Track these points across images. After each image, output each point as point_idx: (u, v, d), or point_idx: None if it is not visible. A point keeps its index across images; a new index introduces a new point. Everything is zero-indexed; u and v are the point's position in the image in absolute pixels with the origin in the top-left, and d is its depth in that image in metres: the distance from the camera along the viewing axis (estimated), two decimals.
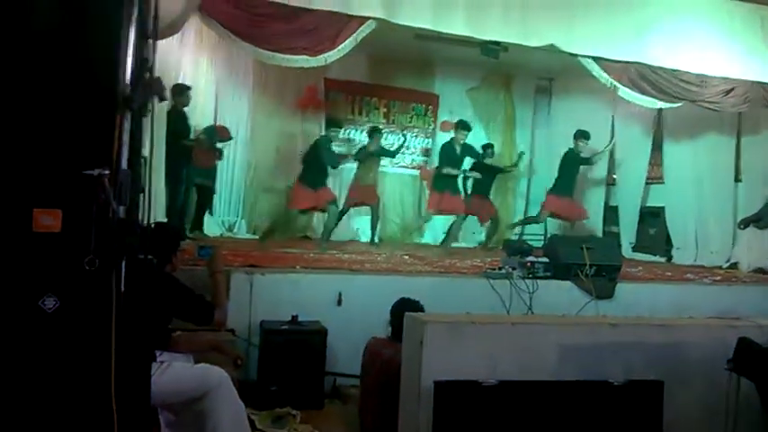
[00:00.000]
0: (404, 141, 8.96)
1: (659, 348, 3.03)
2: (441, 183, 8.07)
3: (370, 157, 8.14)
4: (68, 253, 1.92)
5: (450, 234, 8.37)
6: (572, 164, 8.41)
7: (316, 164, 7.31)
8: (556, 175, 8.54)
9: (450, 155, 8.13)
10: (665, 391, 2.70)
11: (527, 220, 9.34)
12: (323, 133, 8.33)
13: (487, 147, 9.00)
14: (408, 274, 5.56)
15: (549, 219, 8.70)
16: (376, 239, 8.36)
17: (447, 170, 8.02)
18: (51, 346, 1.95)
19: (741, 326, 3.14)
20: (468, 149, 8.26)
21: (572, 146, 8.43)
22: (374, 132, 8.30)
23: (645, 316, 4.18)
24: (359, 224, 9.08)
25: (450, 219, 8.49)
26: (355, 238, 8.99)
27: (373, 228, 8.34)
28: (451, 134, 8.44)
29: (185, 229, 7.08)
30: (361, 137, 9.27)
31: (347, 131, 9.48)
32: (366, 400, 3.84)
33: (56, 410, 1.95)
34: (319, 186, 7.34)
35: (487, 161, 8.73)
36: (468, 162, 8.44)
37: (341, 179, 8.79)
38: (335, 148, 8.09)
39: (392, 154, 8.67)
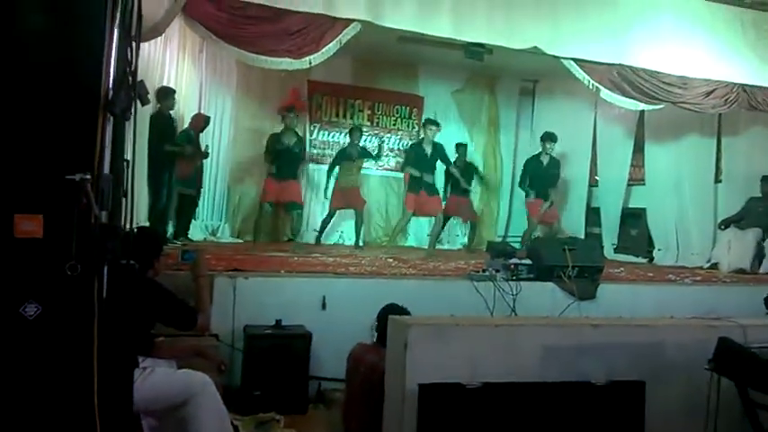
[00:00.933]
0: (381, 143, 8.99)
1: (641, 349, 3.06)
2: (415, 183, 7.93)
3: (349, 159, 8.14)
4: (50, 259, 1.90)
5: (432, 236, 8.36)
6: (535, 169, 8.47)
7: (281, 157, 7.51)
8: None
9: (418, 154, 7.97)
10: (647, 391, 2.73)
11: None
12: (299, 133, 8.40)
13: (460, 146, 9.06)
14: (392, 276, 5.56)
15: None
16: (361, 243, 8.35)
17: (410, 170, 7.92)
18: (33, 353, 1.93)
19: (722, 326, 3.17)
20: (438, 150, 8.02)
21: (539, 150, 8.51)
22: (354, 132, 8.32)
23: (627, 317, 4.23)
24: (343, 228, 9.09)
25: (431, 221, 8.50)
26: (339, 241, 9.00)
27: (357, 232, 8.34)
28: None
29: (168, 234, 7.05)
30: (344, 139, 9.28)
31: (330, 134, 9.50)
32: (350, 404, 3.84)
33: (38, 417, 1.93)
34: (286, 179, 7.48)
35: (458, 162, 8.73)
36: (439, 164, 8.23)
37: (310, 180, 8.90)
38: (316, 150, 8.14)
39: (373, 156, 8.66)
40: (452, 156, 8.63)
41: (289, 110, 8.07)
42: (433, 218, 8.29)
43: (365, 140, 9.22)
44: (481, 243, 9.24)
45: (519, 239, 8.86)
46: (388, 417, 2.91)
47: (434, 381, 2.54)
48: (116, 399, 2.00)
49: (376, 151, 8.71)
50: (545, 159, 8.45)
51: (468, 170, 8.94)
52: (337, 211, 8.37)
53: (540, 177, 8.45)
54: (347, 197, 8.14)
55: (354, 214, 8.34)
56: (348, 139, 8.40)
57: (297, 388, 4.50)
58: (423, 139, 8.17)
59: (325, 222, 8.39)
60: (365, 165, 9.12)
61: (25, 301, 1.90)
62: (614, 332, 3.11)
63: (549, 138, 8.43)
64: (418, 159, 7.95)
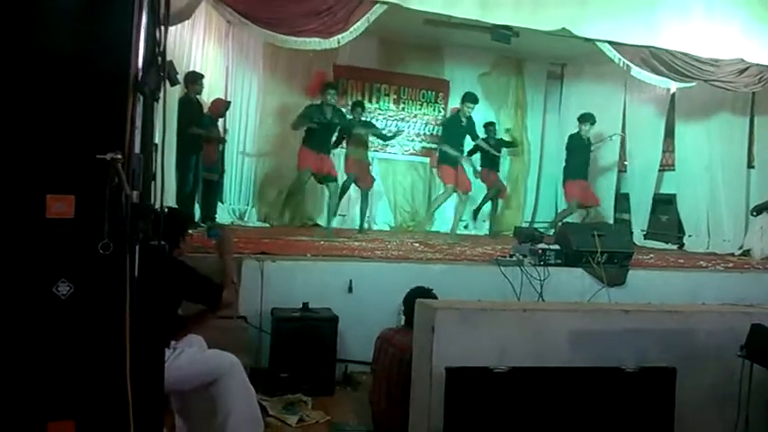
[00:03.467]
0: (396, 131, 8.92)
1: (672, 335, 3.02)
2: (452, 158, 7.84)
3: (355, 131, 7.98)
4: (81, 239, 1.92)
5: (456, 218, 8.32)
6: (579, 148, 8.32)
7: (316, 130, 7.32)
8: (563, 162, 8.49)
9: (455, 130, 7.95)
10: (678, 378, 2.69)
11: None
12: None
13: (489, 125, 9.05)
14: (419, 261, 5.55)
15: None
16: (365, 226, 8.36)
17: (447, 149, 7.84)
18: (66, 332, 1.95)
19: (754, 313, 3.11)
20: (470, 126, 8.02)
21: (577, 130, 8.36)
22: (356, 107, 8.27)
23: (656, 303, 4.17)
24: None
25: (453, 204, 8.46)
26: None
27: (363, 214, 8.32)
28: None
29: (195, 218, 7.12)
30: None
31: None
32: (377, 386, 3.85)
33: (70, 397, 1.96)
34: (322, 152, 7.37)
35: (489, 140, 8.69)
36: (468, 140, 8.22)
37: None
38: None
39: (384, 137, 8.59)
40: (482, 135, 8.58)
41: (331, 86, 7.69)
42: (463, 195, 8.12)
43: (392, 125, 9.18)
44: (504, 228, 9.23)
45: (546, 225, 8.79)
46: (414, 399, 2.91)
47: (461, 365, 2.52)
48: (148, 378, 2.01)
49: (391, 133, 8.66)
50: (585, 140, 8.32)
51: (498, 148, 8.92)
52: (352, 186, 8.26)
53: (583, 158, 8.33)
54: (357, 169, 8.04)
55: (360, 196, 8.33)
56: (351, 113, 8.31)
57: (324, 370, 4.52)
58: (459, 114, 8.04)
59: (341, 193, 8.17)
60: (390, 150, 9.11)
61: (58, 280, 1.92)
62: (645, 318, 3.07)
63: (586, 119, 8.28)
64: (456, 135, 7.92)
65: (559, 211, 9.41)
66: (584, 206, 8.41)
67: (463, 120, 7.88)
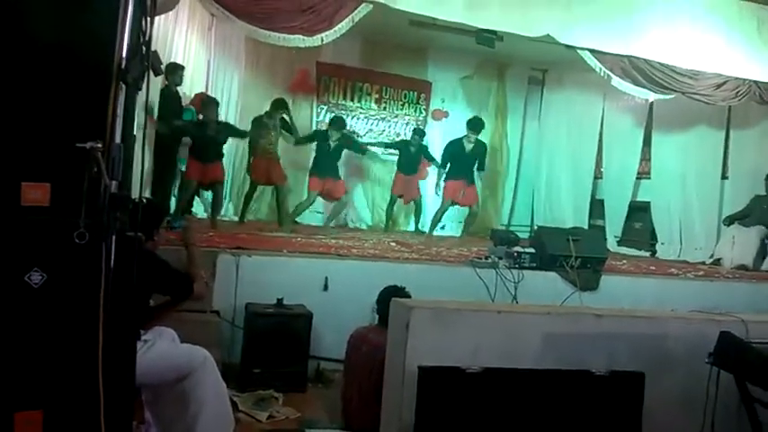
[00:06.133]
0: (369, 143, 9.10)
1: (642, 340, 3.06)
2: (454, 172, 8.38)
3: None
4: (57, 227, 1.90)
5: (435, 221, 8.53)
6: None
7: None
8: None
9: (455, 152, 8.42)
10: (647, 382, 2.73)
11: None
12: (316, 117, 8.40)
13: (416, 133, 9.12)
14: (395, 260, 5.57)
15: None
16: (332, 224, 8.40)
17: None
18: (36, 322, 1.93)
19: (724, 320, 3.17)
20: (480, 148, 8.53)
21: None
22: (335, 121, 8.19)
23: (628, 308, 4.22)
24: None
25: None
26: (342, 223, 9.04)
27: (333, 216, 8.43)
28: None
29: (170, 211, 7.06)
30: (352, 122, 9.31)
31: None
32: (350, 384, 3.85)
33: (39, 387, 1.94)
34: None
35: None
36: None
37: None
38: None
39: (362, 152, 8.73)
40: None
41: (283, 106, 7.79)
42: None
43: (373, 124, 9.21)
44: (481, 231, 9.31)
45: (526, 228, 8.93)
46: (387, 398, 2.92)
47: (435, 364, 2.54)
48: (119, 369, 2.00)
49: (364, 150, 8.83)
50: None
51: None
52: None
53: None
54: (326, 188, 8.01)
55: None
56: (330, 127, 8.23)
57: (296, 367, 4.52)
58: (463, 139, 8.42)
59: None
60: (370, 148, 9.11)
61: (31, 269, 1.90)
62: (616, 323, 3.11)
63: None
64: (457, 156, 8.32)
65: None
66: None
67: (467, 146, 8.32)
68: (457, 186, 8.33)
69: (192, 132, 6.90)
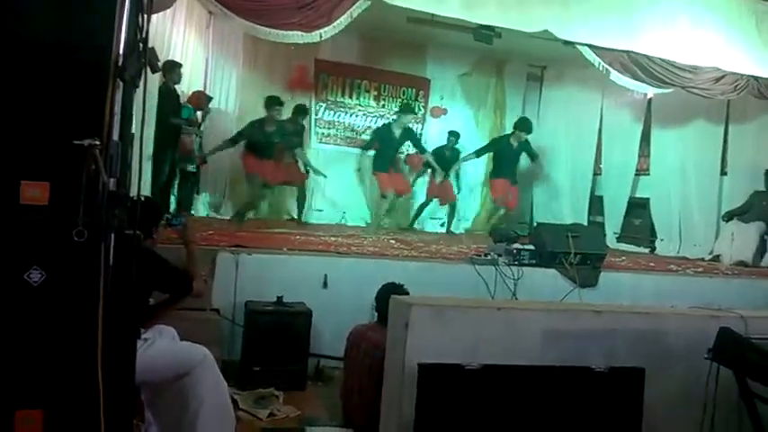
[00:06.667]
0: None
1: (642, 336, 3.06)
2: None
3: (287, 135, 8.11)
4: (56, 225, 1.90)
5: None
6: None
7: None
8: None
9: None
10: (647, 378, 2.73)
11: None
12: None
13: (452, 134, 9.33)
14: (394, 258, 5.56)
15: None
16: (303, 218, 8.48)
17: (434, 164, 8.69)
18: (36, 320, 1.93)
19: (723, 316, 3.17)
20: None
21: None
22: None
23: (627, 304, 4.22)
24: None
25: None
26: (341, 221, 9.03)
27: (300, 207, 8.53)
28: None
29: (170, 209, 7.06)
30: (348, 119, 9.32)
31: (336, 114, 9.47)
32: (349, 382, 3.85)
33: (39, 386, 1.94)
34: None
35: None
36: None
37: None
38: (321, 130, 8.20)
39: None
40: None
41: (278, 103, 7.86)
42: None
43: (371, 121, 9.23)
44: (479, 227, 9.39)
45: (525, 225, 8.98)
46: (386, 395, 2.92)
47: (434, 361, 2.54)
48: (119, 368, 2.00)
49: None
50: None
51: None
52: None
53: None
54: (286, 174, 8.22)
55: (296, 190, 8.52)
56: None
57: (296, 365, 4.52)
58: (394, 122, 8.62)
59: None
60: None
61: (30, 267, 1.90)
62: (616, 319, 3.11)
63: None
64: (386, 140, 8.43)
65: None
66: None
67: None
68: (504, 186, 8.51)
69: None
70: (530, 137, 9.22)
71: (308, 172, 8.49)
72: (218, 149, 7.76)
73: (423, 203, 9.14)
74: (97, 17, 1.93)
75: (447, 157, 8.97)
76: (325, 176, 8.60)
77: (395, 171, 8.69)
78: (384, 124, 8.90)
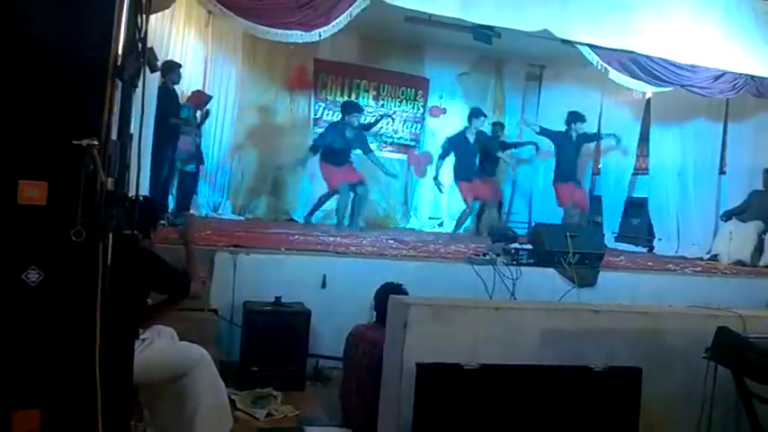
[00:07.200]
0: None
1: (640, 335, 3.07)
2: (465, 172, 8.49)
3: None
4: (53, 225, 1.90)
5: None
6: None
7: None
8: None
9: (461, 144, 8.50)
10: (644, 377, 2.74)
11: None
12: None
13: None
14: (393, 258, 5.56)
15: None
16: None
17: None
18: (34, 320, 1.93)
19: (720, 315, 3.18)
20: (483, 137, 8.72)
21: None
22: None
23: (625, 304, 4.22)
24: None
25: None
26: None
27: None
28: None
29: (169, 209, 7.05)
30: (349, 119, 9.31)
31: (335, 114, 9.45)
32: (348, 382, 3.85)
33: (36, 386, 1.94)
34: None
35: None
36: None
37: None
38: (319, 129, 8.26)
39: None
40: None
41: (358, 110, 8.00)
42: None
43: (370, 120, 9.22)
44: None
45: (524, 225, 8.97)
46: (385, 395, 2.93)
47: (433, 361, 2.54)
48: (117, 368, 2.00)
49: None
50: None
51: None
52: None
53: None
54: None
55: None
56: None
57: (295, 365, 4.52)
58: (467, 128, 8.50)
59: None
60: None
61: (28, 267, 1.89)
62: (614, 318, 3.12)
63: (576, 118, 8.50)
64: (462, 148, 8.40)
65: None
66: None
67: (470, 137, 8.46)
68: (571, 191, 8.39)
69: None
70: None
71: None
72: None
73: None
74: (96, 17, 1.93)
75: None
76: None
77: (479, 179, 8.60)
78: (456, 133, 8.75)
